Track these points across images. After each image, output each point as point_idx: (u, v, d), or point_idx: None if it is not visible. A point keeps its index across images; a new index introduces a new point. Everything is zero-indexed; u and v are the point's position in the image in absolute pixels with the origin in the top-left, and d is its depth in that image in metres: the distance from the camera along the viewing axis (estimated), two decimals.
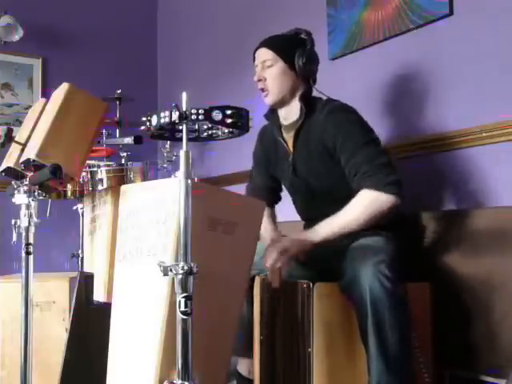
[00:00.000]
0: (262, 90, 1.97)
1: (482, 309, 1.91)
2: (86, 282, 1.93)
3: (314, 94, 2.02)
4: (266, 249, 1.78)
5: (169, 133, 1.40)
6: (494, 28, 2.06)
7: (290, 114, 1.99)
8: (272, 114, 2.06)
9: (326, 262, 1.83)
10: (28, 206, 1.62)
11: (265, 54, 1.96)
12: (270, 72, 1.95)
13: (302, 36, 1.97)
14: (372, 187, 1.76)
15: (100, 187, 1.91)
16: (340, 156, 1.85)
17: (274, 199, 2.23)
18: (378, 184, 1.75)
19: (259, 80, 1.97)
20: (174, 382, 1.26)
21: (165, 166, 3.56)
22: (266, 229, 2.04)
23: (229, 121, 1.29)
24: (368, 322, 1.62)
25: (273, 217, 2.22)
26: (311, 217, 2.06)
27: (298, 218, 2.18)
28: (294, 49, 1.93)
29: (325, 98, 1.99)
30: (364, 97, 2.52)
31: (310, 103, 1.95)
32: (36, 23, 3.68)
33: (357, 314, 1.68)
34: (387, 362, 1.62)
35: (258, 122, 1.96)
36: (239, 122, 1.30)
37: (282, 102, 1.98)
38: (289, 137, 2.01)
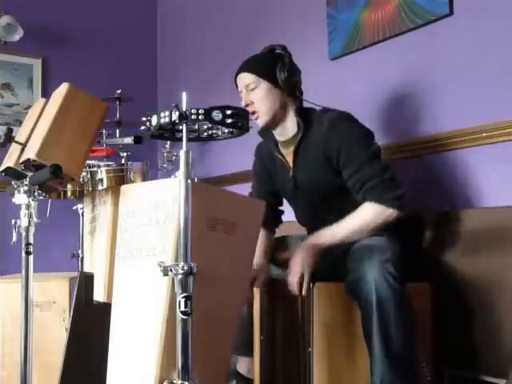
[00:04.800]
0: (253, 113, 1.94)
1: (482, 309, 1.91)
2: (86, 281, 1.93)
3: (305, 104, 1.99)
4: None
5: (169, 133, 1.40)
6: (494, 28, 2.06)
7: (286, 130, 1.97)
8: (266, 130, 2.03)
9: (326, 262, 1.83)
10: (28, 206, 1.62)
11: (246, 78, 1.93)
12: (255, 94, 1.92)
13: (278, 51, 1.93)
14: (378, 201, 1.77)
15: (100, 187, 1.91)
16: (343, 169, 1.85)
17: (274, 221, 2.19)
18: (383, 198, 1.76)
19: (247, 105, 1.94)
20: (174, 381, 1.26)
21: (165, 166, 3.58)
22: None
23: (229, 121, 1.29)
24: (373, 320, 1.63)
25: (266, 241, 2.11)
26: (312, 225, 2.06)
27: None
28: (273, 65, 1.90)
29: (317, 107, 1.96)
30: (364, 97, 2.52)
31: (305, 116, 1.93)
32: (36, 23, 3.68)
33: (362, 313, 1.68)
34: (391, 361, 1.62)
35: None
36: (239, 122, 1.31)
37: (275, 121, 1.95)
38: (287, 152, 1.99)
